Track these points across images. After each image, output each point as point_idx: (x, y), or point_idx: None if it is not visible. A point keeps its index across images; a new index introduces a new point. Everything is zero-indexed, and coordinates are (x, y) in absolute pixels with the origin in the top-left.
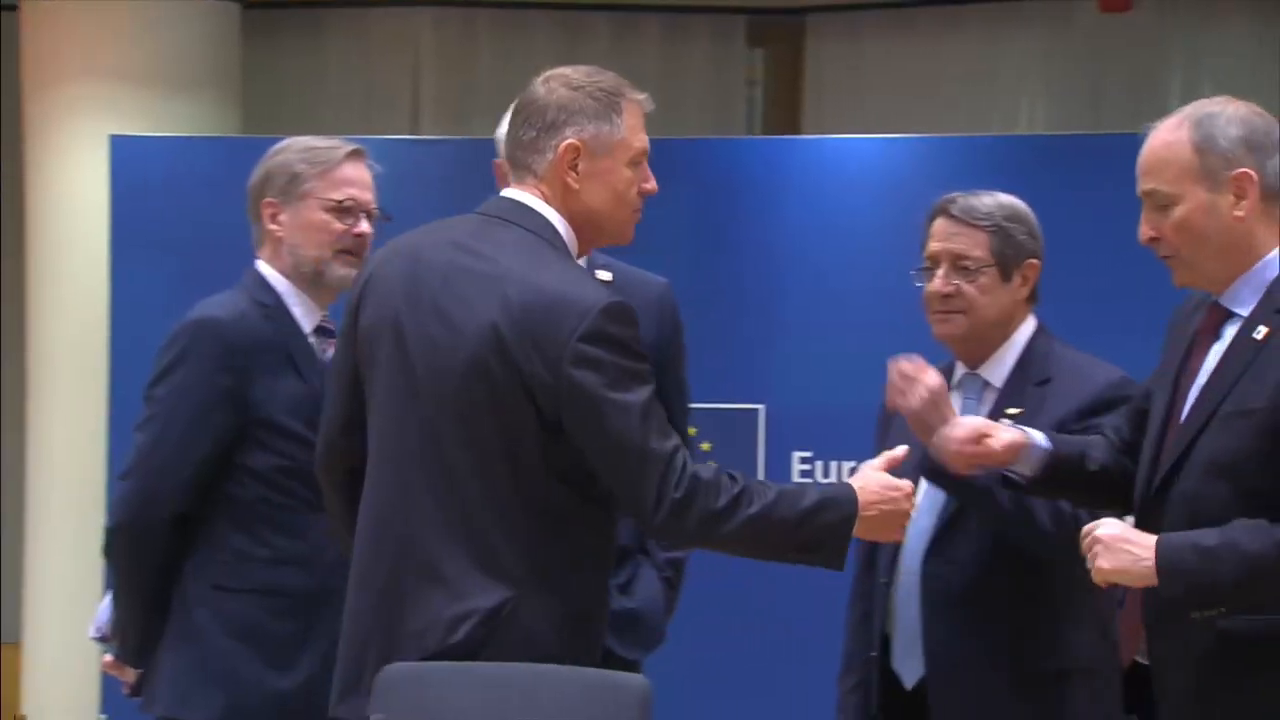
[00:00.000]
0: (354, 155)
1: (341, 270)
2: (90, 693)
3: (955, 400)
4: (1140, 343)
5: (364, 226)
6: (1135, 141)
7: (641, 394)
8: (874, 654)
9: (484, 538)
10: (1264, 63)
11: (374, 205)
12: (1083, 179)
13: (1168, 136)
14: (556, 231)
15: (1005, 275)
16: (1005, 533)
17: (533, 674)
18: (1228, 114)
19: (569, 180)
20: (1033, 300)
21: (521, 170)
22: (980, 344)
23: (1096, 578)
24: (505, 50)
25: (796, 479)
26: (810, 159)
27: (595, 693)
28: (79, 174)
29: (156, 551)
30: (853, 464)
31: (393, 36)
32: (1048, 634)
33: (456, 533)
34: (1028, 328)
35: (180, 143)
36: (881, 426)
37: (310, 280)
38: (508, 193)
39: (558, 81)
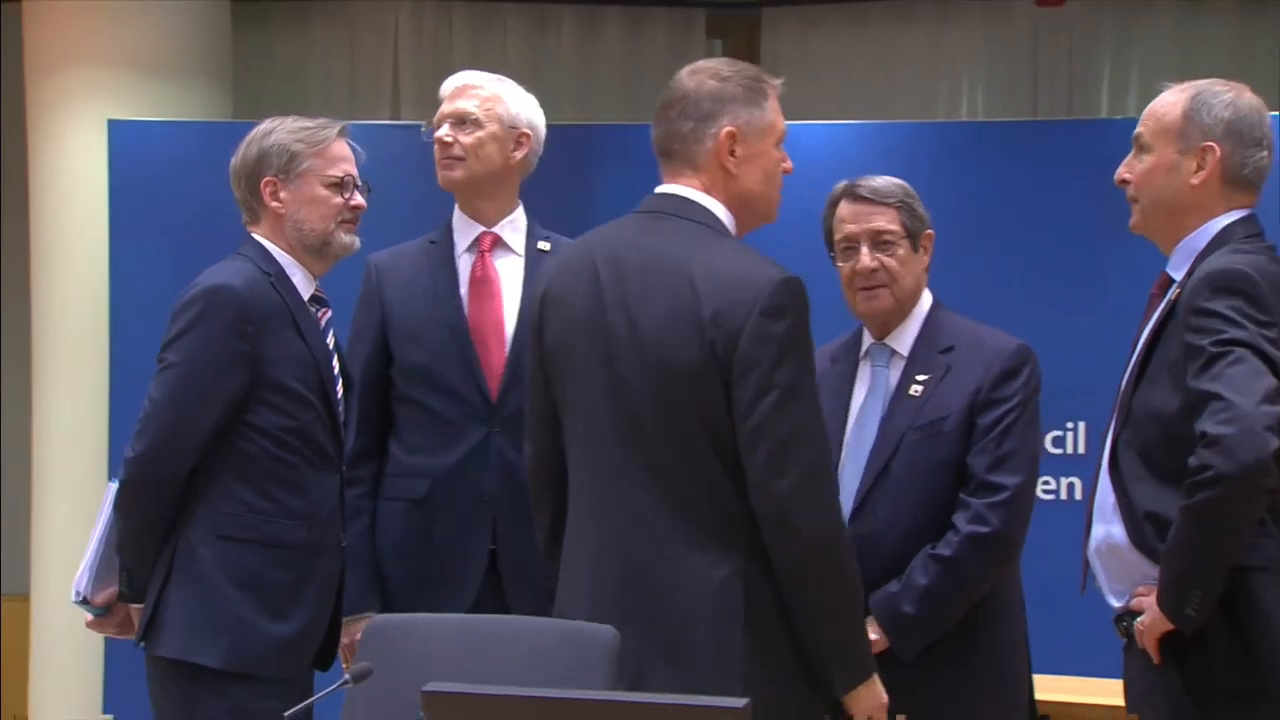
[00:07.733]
0: (341, 133)
1: (345, 238)
2: (95, 645)
3: (864, 369)
4: (1072, 318)
5: (359, 199)
6: (1069, 128)
7: (806, 374)
8: None
9: (699, 515)
10: (1188, 52)
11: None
12: (1020, 163)
13: (1170, 96)
14: (718, 218)
15: (914, 246)
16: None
17: (503, 624)
18: (1227, 98)
19: (729, 166)
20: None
21: (678, 162)
22: (898, 314)
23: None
24: (478, 39)
25: None
26: None
27: (568, 642)
28: (79, 158)
29: (170, 504)
30: None
31: (374, 27)
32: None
33: (674, 515)
34: (926, 299)
35: (175, 127)
36: None
37: (315, 250)
38: (665, 188)
39: (704, 74)
